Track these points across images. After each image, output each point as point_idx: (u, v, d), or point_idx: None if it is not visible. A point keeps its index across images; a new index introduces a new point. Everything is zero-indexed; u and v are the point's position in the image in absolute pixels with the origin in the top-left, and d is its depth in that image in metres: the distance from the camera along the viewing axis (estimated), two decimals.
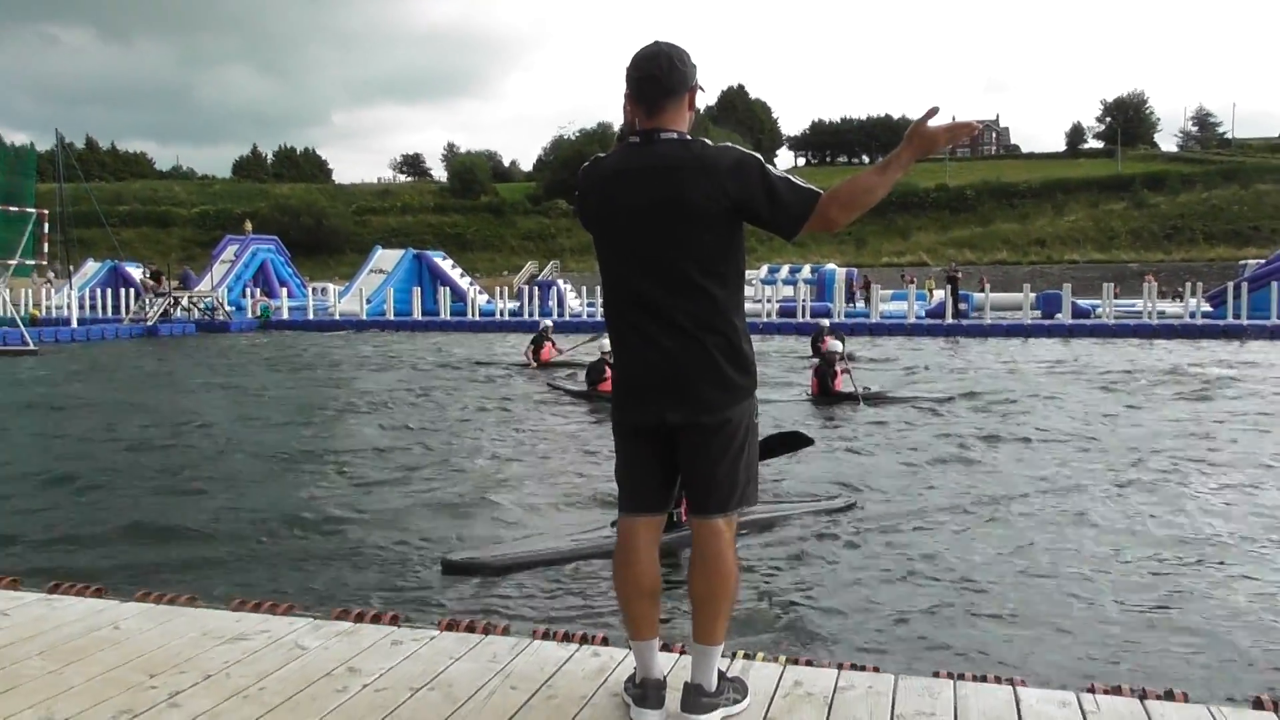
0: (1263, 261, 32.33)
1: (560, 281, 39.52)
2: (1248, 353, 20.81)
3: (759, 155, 2.60)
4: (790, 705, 2.81)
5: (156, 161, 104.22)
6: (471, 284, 38.37)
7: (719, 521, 2.64)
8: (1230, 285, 28.74)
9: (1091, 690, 3.04)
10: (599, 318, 31.68)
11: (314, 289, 38.87)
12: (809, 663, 3.21)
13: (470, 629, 3.45)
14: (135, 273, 38.60)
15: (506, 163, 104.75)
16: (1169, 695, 3.00)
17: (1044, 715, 2.75)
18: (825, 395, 13.10)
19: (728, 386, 2.58)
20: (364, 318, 33.04)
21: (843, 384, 13.09)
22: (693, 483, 2.66)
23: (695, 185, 2.52)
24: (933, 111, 2.49)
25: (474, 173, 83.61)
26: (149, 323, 30.06)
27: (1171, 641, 4.63)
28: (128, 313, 32.57)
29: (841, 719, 2.72)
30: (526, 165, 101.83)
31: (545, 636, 3.38)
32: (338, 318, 33.46)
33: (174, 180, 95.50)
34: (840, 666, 3.11)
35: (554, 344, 19.11)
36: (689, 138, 2.64)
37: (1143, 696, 2.95)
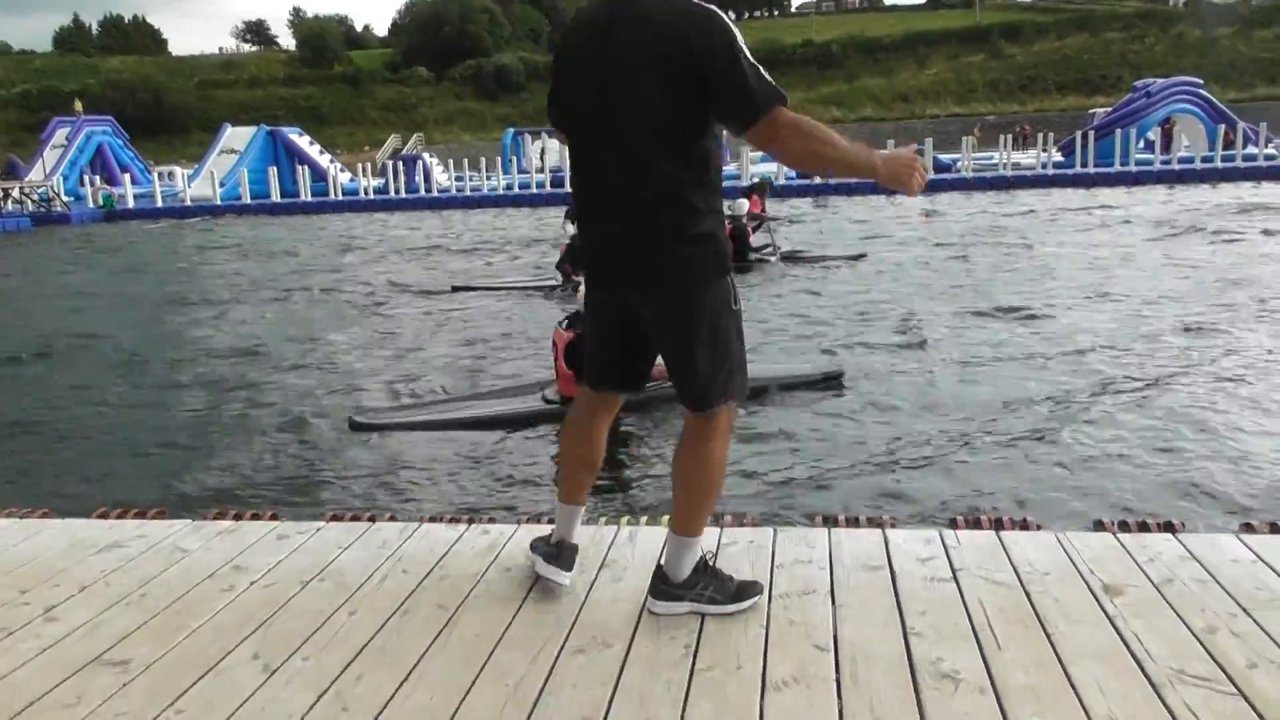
0: (1108, 110, 33.70)
1: (426, 155, 38.10)
2: (1092, 198, 21.90)
3: (735, 30, 2.33)
4: None
5: None
6: (332, 161, 36.63)
7: (698, 413, 2.54)
8: (1078, 135, 29.92)
9: (953, 525, 3.27)
10: (468, 193, 30.99)
11: (160, 173, 36.32)
12: None
13: (356, 518, 3.44)
14: None
15: (359, 28, 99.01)
16: (1022, 525, 3.26)
17: (910, 553, 2.95)
18: (741, 257, 13.18)
19: (685, 270, 2.42)
20: (218, 203, 31.29)
21: (755, 243, 13.45)
22: (670, 371, 2.57)
23: (654, 42, 2.32)
24: (919, 151, 2.46)
25: (325, 40, 78.64)
26: None
27: (1026, 479, 4.99)
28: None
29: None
30: (381, 30, 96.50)
31: (433, 519, 3.39)
32: (189, 204, 31.59)
33: None
34: (722, 524, 3.24)
35: None
36: None
37: (998, 528, 3.19)
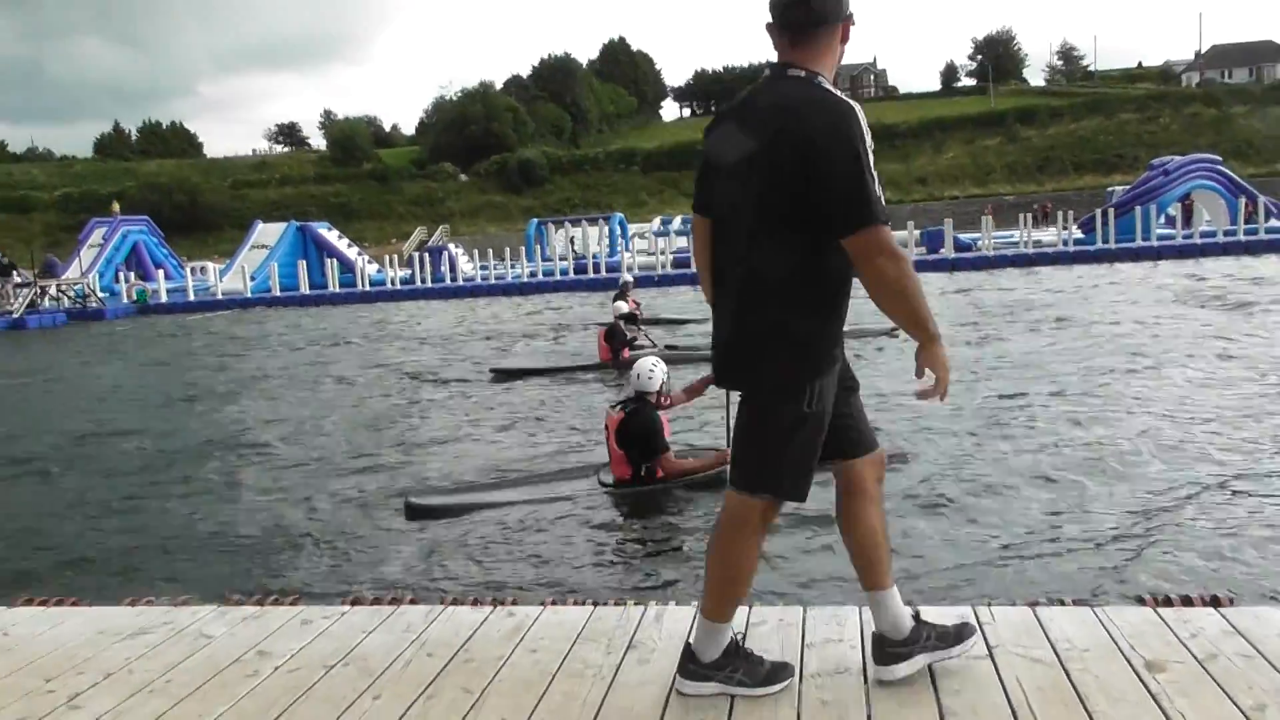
0: (1127, 188, 33.90)
1: (451, 246, 38.82)
2: (1115, 273, 21.89)
3: (865, 133, 2.27)
4: None
5: (10, 144, 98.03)
6: (360, 254, 37.38)
7: (736, 495, 2.52)
8: (1098, 212, 30.08)
9: (987, 602, 3.20)
10: (492, 281, 31.40)
11: (192, 269, 37.17)
12: None
13: (378, 601, 3.41)
14: None
15: (388, 127, 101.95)
16: (1059, 601, 3.18)
17: None
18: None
19: (763, 369, 2.42)
20: (249, 295, 31.90)
21: None
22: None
23: (781, 138, 2.27)
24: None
25: (354, 139, 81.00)
26: (15, 314, 28.40)
27: (1056, 554, 4.88)
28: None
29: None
30: (408, 129, 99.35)
31: (457, 602, 3.36)
32: (220, 297, 32.23)
33: (31, 163, 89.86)
34: (750, 604, 3.19)
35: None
36: (818, 80, 2.34)
37: (1034, 604, 3.11)
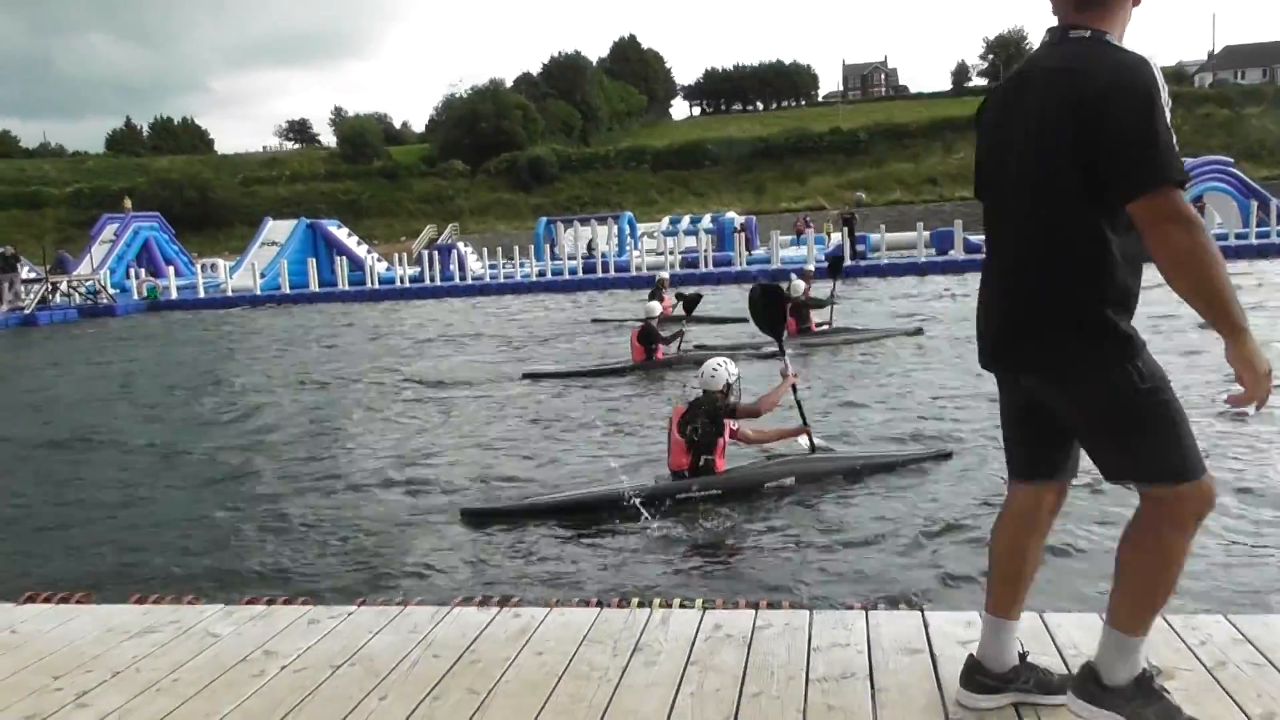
0: None
1: (461, 244, 38.84)
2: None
3: (1160, 84, 2.02)
4: (711, 648, 2.88)
5: (22, 139, 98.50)
6: (369, 251, 37.44)
7: (1149, 489, 2.23)
8: None
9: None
10: (502, 279, 31.41)
11: (203, 265, 37.25)
12: (727, 605, 3.28)
13: (385, 602, 3.42)
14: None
15: (398, 124, 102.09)
16: (1066, 607, 3.17)
17: (951, 636, 2.87)
18: (803, 334, 13.16)
19: (1068, 357, 2.19)
20: (258, 293, 31.99)
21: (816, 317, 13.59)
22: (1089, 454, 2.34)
23: (1067, 102, 2.07)
24: None
25: (365, 136, 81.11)
26: (26, 310, 28.54)
27: (1064, 559, 4.87)
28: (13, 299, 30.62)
29: (761, 656, 2.79)
30: (418, 126, 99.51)
31: (464, 603, 3.37)
32: (230, 294, 32.31)
33: (43, 158, 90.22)
34: (757, 606, 3.18)
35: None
36: (1105, 38, 2.14)
37: (1041, 609, 3.10)
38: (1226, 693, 2.47)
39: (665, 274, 18.34)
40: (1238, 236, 27.32)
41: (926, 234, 29.79)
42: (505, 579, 4.94)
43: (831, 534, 5.42)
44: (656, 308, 12.51)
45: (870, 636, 2.89)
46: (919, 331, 13.79)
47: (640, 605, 3.28)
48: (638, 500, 5.83)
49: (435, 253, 34.73)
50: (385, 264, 36.50)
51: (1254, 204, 28.42)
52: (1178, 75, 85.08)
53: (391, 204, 69.92)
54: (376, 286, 32.17)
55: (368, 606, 3.37)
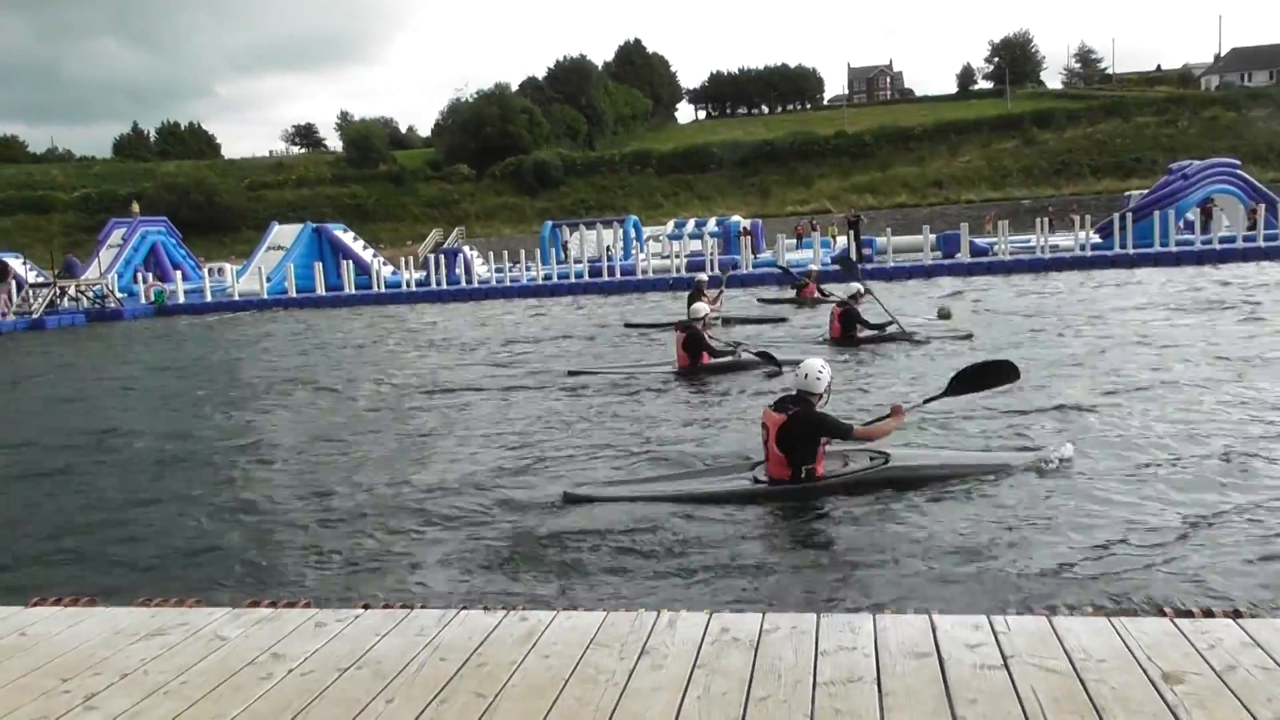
0: (1145, 192, 33.66)
1: (466, 248, 38.93)
2: (1133, 278, 21.73)
3: None
4: (718, 651, 2.87)
5: (29, 144, 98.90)
6: (375, 255, 37.52)
7: None
8: (1116, 216, 29.87)
9: (1003, 611, 3.18)
10: (507, 284, 31.46)
11: (209, 270, 37.38)
12: (733, 609, 3.28)
13: (391, 605, 3.42)
14: (15, 264, 36.68)
15: (404, 129, 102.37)
16: (1073, 610, 3.16)
17: (959, 639, 2.86)
18: (849, 338, 12.96)
19: None
20: (265, 297, 32.06)
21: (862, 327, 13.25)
22: None
23: None
24: None
25: (371, 141, 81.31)
26: (34, 314, 28.66)
27: (1071, 563, 4.84)
28: (10, 305, 30.87)
29: (768, 660, 2.79)
30: (424, 130, 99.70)
31: (469, 606, 3.37)
32: (237, 298, 32.40)
33: (50, 163, 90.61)
34: (765, 610, 3.18)
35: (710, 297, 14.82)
36: None
37: (1051, 613, 3.10)
38: (1236, 696, 2.46)
39: (704, 275, 18.16)
40: (1245, 239, 27.24)
41: (933, 237, 29.74)
42: (512, 581, 4.94)
43: (828, 538, 5.41)
44: (703, 309, 11.79)
45: (878, 640, 2.89)
46: (970, 336, 13.34)
47: (647, 610, 3.28)
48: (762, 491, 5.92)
49: (441, 256, 34.79)
50: (391, 268, 36.57)
51: (1261, 206, 28.33)
52: (1184, 78, 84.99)
53: (397, 208, 70.09)
54: (383, 290, 32.22)
55: (374, 610, 3.37)
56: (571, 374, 11.75)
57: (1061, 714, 2.41)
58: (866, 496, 6.03)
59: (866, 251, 30.66)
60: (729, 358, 11.37)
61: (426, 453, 8.27)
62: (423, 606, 3.38)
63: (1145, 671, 2.61)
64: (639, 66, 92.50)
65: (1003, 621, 2.98)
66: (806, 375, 6.16)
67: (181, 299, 32.88)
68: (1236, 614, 3.02)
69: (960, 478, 6.26)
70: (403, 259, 36.16)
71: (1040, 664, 2.68)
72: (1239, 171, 30.87)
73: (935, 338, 13.23)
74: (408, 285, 32.77)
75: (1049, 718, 2.39)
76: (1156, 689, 2.52)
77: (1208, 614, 3.05)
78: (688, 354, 11.29)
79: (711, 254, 31.11)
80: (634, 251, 35.58)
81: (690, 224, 41.36)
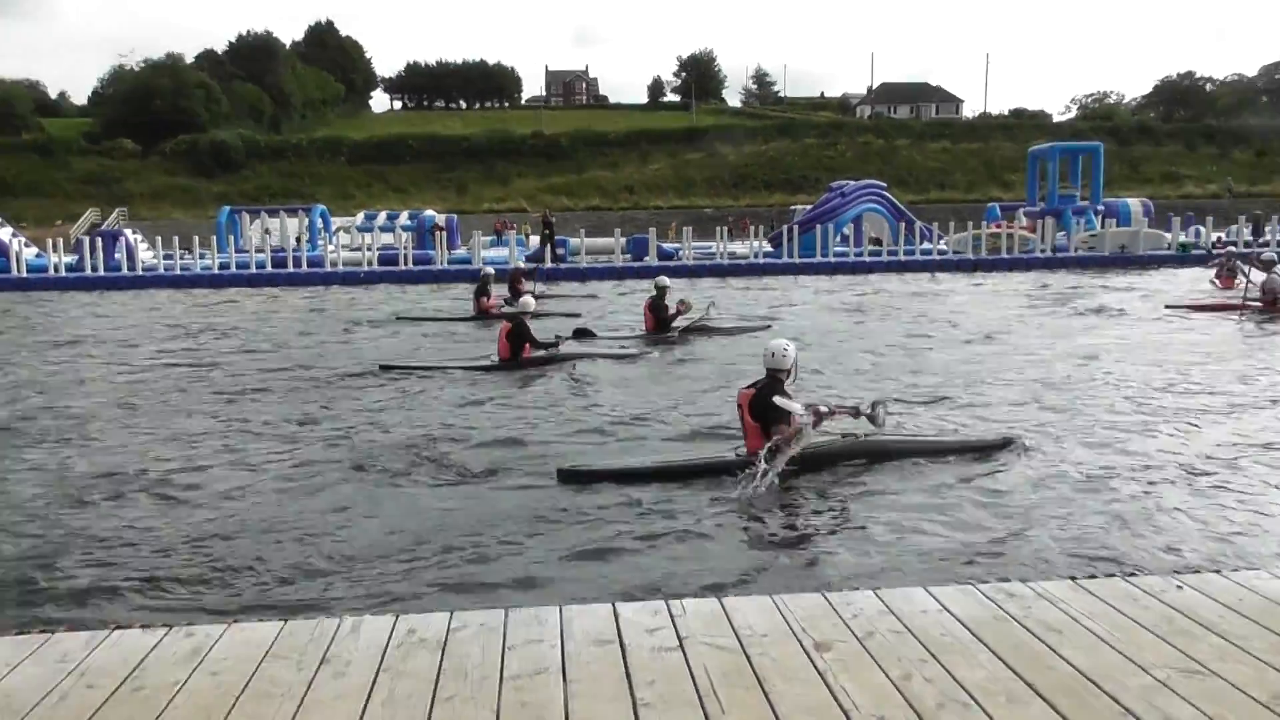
0: (809, 207, 37.09)
1: (129, 231, 35.21)
2: (799, 286, 23.92)
3: None
4: (405, 653, 2.81)
5: None
6: (15, 235, 32.97)
7: None
8: (784, 228, 32.69)
9: (678, 596, 3.37)
10: (179, 271, 28.89)
11: None
12: (421, 610, 3.23)
13: (24, 632, 3.03)
14: None
15: (53, 94, 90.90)
16: (743, 591, 3.42)
17: (639, 625, 3.00)
18: (661, 329, 13.18)
19: None
20: None
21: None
22: None
23: None
24: None
25: (13, 105, 71.46)
26: None
27: (750, 548, 5.24)
28: None
29: (455, 659, 2.77)
30: (80, 98, 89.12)
31: (123, 627, 3.06)
32: None
33: None
34: (453, 610, 3.16)
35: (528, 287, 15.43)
36: None
37: (720, 596, 3.33)
38: (873, 659, 2.77)
39: (523, 263, 17.75)
40: (890, 253, 30.78)
41: (623, 240, 30.92)
42: (176, 597, 4.53)
43: (523, 530, 5.48)
44: (531, 303, 11.83)
45: (564, 631, 2.96)
46: (769, 326, 14.33)
47: (328, 616, 3.14)
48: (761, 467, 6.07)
49: (98, 239, 31.22)
50: (35, 250, 32.36)
51: (901, 225, 32.18)
52: (843, 106, 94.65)
53: (46, 183, 62.09)
54: (25, 275, 28.44)
55: (5, 637, 2.96)
56: (384, 368, 11.13)
57: (729, 687, 2.59)
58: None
59: (560, 251, 31.29)
60: (551, 349, 11.29)
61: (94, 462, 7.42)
62: (67, 629, 3.02)
63: (800, 643, 2.88)
64: (331, 49, 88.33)
65: (679, 605, 3.16)
66: (773, 353, 6.58)
67: None
68: (875, 586, 3.40)
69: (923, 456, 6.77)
70: (50, 240, 32.04)
71: (712, 642, 2.87)
72: (885, 193, 34.81)
73: (638, 353, 12.51)
74: (57, 270, 29.15)
75: (719, 691, 2.57)
76: (809, 657, 2.78)
77: (853, 587, 3.42)
78: (510, 345, 11.06)
79: (405, 248, 30.38)
80: (321, 242, 33.94)
81: (381, 216, 40.15)
